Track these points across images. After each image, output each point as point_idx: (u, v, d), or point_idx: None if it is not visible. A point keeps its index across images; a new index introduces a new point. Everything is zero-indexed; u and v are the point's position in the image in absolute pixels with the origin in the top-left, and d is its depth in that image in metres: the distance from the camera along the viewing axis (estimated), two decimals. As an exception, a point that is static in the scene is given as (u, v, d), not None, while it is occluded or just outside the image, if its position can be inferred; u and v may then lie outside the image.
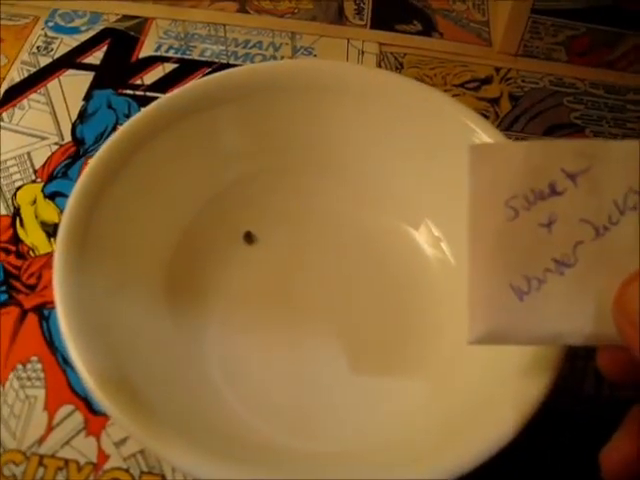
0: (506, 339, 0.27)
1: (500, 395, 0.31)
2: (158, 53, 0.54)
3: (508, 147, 0.27)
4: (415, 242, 0.41)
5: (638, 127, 0.52)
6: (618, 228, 0.26)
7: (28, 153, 0.47)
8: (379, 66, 0.54)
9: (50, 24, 0.56)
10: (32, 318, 0.40)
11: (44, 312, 0.40)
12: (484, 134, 0.38)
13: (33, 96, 0.50)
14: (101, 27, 0.56)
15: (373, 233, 0.42)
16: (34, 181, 0.45)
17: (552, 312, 0.26)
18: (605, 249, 0.26)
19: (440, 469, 0.28)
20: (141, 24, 0.56)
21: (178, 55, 0.54)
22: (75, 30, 0.55)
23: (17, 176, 0.46)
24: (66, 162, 0.46)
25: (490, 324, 0.27)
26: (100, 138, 0.48)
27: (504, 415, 0.29)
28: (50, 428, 0.36)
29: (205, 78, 0.40)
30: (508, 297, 0.26)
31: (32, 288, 0.41)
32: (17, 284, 0.41)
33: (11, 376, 0.38)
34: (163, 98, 0.39)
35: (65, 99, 0.50)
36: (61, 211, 0.34)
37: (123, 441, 0.36)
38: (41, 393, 0.37)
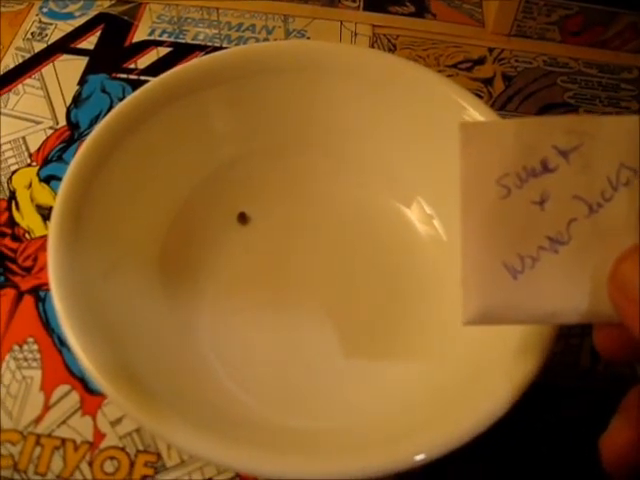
0: (500, 319, 0.27)
1: (493, 371, 0.31)
2: (152, 37, 0.54)
3: (498, 124, 0.27)
4: (408, 220, 0.42)
5: (632, 106, 0.52)
6: (611, 204, 0.26)
7: (23, 137, 0.47)
8: (372, 48, 0.54)
9: (44, 10, 0.56)
10: (28, 300, 0.40)
11: (40, 294, 0.40)
12: (477, 113, 0.38)
13: (28, 81, 0.51)
14: (95, 12, 0.56)
15: (366, 212, 0.42)
16: (29, 165, 0.46)
17: (546, 291, 0.26)
18: (599, 226, 0.26)
19: (433, 443, 0.28)
20: (135, 9, 0.56)
21: (171, 39, 0.54)
22: (69, 16, 0.55)
23: (12, 160, 0.46)
24: (61, 146, 0.47)
25: (484, 304, 0.26)
26: (94, 122, 0.48)
27: (497, 390, 0.29)
28: (47, 408, 0.37)
29: (196, 60, 0.41)
30: (502, 276, 0.26)
31: (28, 270, 0.41)
32: (13, 266, 0.41)
33: (8, 357, 0.38)
34: (155, 80, 0.39)
35: (60, 84, 0.51)
36: (56, 194, 0.35)
37: (119, 420, 0.36)
38: (37, 374, 0.38)
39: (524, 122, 0.26)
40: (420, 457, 0.28)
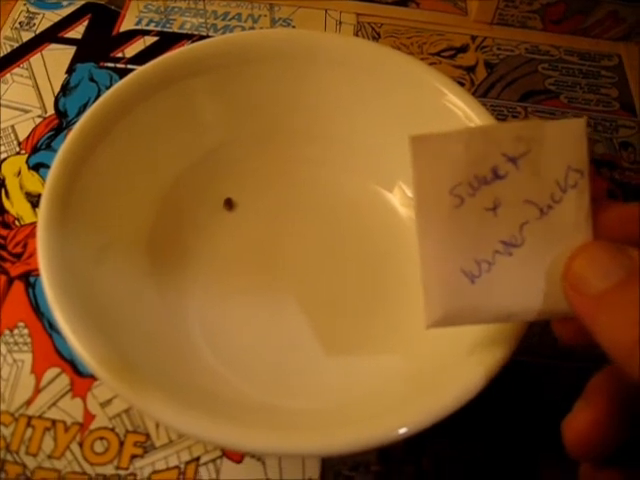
0: (462, 321, 0.28)
1: (471, 349, 0.31)
2: (139, 27, 0.55)
3: (448, 136, 0.27)
4: (390, 204, 0.42)
5: (612, 92, 0.53)
6: (561, 206, 0.26)
7: (12, 126, 0.48)
8: (356, 36, 0.54)
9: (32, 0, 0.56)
10: (18, 285, 0.41)
11: (30, 279, 0.41)
12: (459, 100, 0.39)
13: (16, 70, 0.51)
14: (82, 2, 0.56)
15: (350, 197, 0.43)
16: (18, 153, 0.46)
17: (503, 292, 0.27)
18: (550, 227, 0.27)
19: (415, 417, 0.29)
20: (122, -2, 0.57)
21: (158, 28, 0.54)
22: (57, 5, 0.56)
23: (2, 148, 0.46)
24: (49, 134, 0.47)
25: (445, 309, 0.27)
26: (82, 110, 0.48)
27: (476, 366, 0.30)
28: (37, 390, 0.37)
29: (183, 48, 0.41)
30: (460, 282, 0.27)
31: (18, 257, 0.42)
32: (3, 253, 0.42)
33: (-1, 341, 0.39)
34: (142, 68, 0.39)
35: (48, 73, 0.51)
36: (45, 182, 0.35)
37: (108, 402, 0.37)
38: (28, 357, 0.38)
39: (472, 132, 0.27)
40: (403, 430, 0.28)
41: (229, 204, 0.42)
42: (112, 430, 0.36)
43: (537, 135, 0.26)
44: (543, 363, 0.39)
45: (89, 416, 0.37)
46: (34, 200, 0.44)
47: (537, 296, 0.27)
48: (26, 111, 0.49)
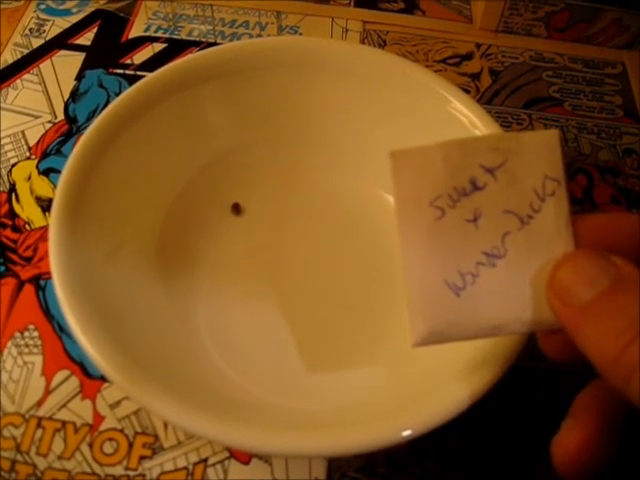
0: (448, 337, 0.27)
1: (477, 349, 0.32)
2: (147, 33, 0.55)
3: (426, 149, 0.27)
4: (392, 208, 0.42)
5: (615, 100, 0.54)
6: (541, 215, 0.27)
7: (22, 131, 0.48)
8: (362, 44, 0.55)
9: (42, 6, 0.57)
10: (29, 288, 0.41)
11: (40, 282, 0.41)
12: (464, 107, 0.39)
13: (26, 76, 0.52)
14: (92, 9, 0.57)
15: (357, 202, 0.44)
16: (28, 158, 0.47)
17: (489, 304, 0.27)
18: (532, 236, 0.27)
19: (419, 420, 0.29)
20: (131, 5, 0.57)
21: (167, 35, 0.55)
22: (66, 12, 0.57)
23: (12, 153, 0.47)
24: (59, 139, 0.48)
25: (430, 324, 0.27)
26: (92, 116, 0.49)
27: (482, 368, 0.30)
28: (47, 392, 0.38)
29: (191, 55, 0.41)
30: (445, 295, 0.27)
31: (28, 260, 0.42)
32: (14, 256, 0.42)
33: (9, 344, 0.39)
34: (151, 75, 0.40)
35: (57, 79, 0.52)
36: (55, 186, 0.36)
37: (117, 403, 0.37)
38: (38, 359, 0.39)
39: (450, 144, 0.27)
40: (407, 433, 0.29)
41: (237, 209, 0.43)
42: (121, 431, 0.37)
43: (513, 146, 0.27)
44: (543, 368, 0.39)
45: (98, 417, 0.37)
46: (44, 204, 0.45)
47: (523, 307, 0.27)
48: (36, 117, 0.49)
